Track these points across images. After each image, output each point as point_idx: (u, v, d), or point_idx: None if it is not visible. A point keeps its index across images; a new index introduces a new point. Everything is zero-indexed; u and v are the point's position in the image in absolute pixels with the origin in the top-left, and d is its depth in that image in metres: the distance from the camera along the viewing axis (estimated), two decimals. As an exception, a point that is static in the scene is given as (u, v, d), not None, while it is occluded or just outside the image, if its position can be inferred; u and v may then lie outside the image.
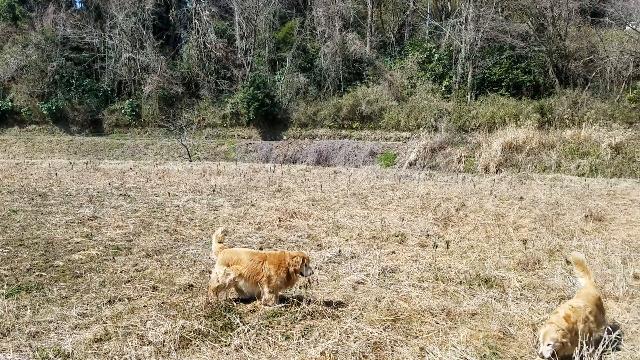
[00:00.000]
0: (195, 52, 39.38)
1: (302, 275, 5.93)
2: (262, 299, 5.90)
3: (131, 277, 6.90)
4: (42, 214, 11.35)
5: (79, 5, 46.46)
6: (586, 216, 11.76)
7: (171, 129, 36.06)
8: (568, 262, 7.91)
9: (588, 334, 4.51)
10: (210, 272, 7.17)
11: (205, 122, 37.40)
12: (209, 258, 8.00)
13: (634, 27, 29.58)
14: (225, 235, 6.31)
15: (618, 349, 4.77)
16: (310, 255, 6.31)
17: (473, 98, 31.74)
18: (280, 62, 38.74)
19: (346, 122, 33.53)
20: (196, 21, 39.43)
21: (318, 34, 37.89)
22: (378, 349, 4.86)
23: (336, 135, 33.30)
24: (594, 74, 29.95)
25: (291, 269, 5.85)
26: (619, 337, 5.01)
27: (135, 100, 38.51)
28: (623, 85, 28.84)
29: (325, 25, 36.77)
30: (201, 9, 39.41)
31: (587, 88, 29.37)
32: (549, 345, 4.29)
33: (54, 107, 37.82)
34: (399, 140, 30.96)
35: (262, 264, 5.90)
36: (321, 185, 17.43)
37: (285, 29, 40.69)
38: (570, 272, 7.40)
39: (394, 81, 34.22)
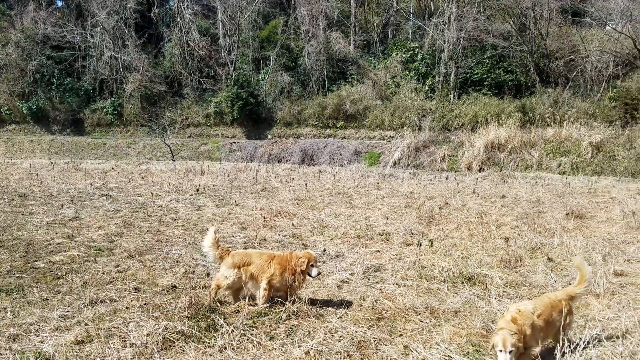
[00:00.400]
0: (178, 51, 39.06)
1: (310, 275, 5.88)
2: (257, 294, 5.85)
3: (113, 278, 6.82)
4: (22, 214, 11.16)
5: (59, 3, 45.77)
6: (567, 214, 11.93)
7: (154, 128, 35.71)
8: (550, 259, 8.03)
9: (540, 337, 4.50)
10: (193, 272, 7.13)
11: (188, 121, 37.11)
12: (192, 258, 7.94)
13: (613, 26, 30.09)
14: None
15: (600, 345, 4.84)
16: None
17: (456, 97, 32.00)
18: (264, 61, 38.61)
19: (331, 121, 33.55)
20: (179, 19, 39.11)
21: (302, 33, 37.85)
22: (362, 347, 4.87)
23: (321, 135, 33.31)
24: (574, 73, 30.39)
25: (297, 270, 5.79)
26: (599, 333, 5.09)
27: (117, 99, 38.08)
28: (603, 85, 29.32)
29: (309, 24, 36.74)
30: (184, 7, 39.09)
31: (568, 87, 29.80)
32: (511, 352, 4.16)
33: (34, 107, 37.21)
34: (383, 140, 31.08)
35: (270, 262, 5.88)
36: (306, 184, 17.42)
37: (269, 27, 40.57)
38: (552, 270, 7.51)
39: (378, 80, 34.33)
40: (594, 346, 4.72)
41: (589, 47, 30.03)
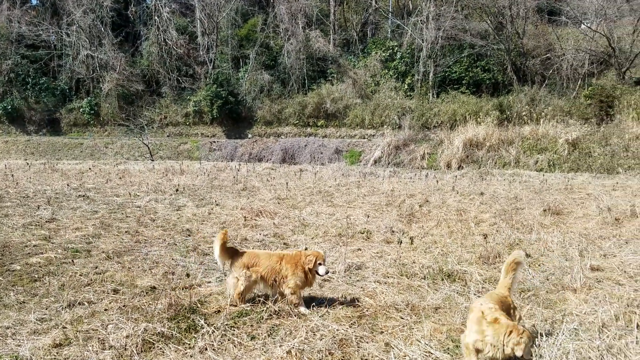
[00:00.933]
0: (155, 49, 38.58)
1: (318, 274, 5.86)
2: (286, 300, 5.81)
3: (91, 280, 6.74)
4: (-5, 217, 10.93)
5: (34, 2, 44.77)
6: (544, 210, 12.14)
7: (132, 128, 35.23)
8: (527, 255, 8.15)
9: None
10: (173, 273, 7.07)
11: (167, 121, 36.70)
12: (172, 259, 7.87)
13: (588, 25, 30.67)
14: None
15: (577, 339, 4.93)
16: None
17: (435, 96, 32.26)
18: (244, 59, 38.39)
19: (311, 120, 33.54)
20: (156, 18, 38.63)
21: (281, 32, 37.74)
22: (344, 345, 4.89)
23: (301, 133, 33.27)
24: (551, 71, 30.90)
25: (305, 268, 5.79)
26: (577, 327, 5.19)
27: (94, 98, 37.46)
28: (579, 82, 29.87)
29: (289, 22, 36.65)
30: (161, 6, 38.63)
31: (544, 85, 30.29)
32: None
33: (9, 107, 36.38)
34: (364, 138, 31.19)
35: (280, 263, 5.87)
36: (287, 183, 17.39)
37: (247, 26, 40.36)
38: (529, 265, 7.63)
39: (358, 79, 34.43)
40: (571, 340, 4.81)
41: (564, 46, 30.57)
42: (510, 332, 4.08)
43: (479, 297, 6.26)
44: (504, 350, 4.07)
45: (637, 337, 4.86)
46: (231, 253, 6.07)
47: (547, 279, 7.01)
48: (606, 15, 28.90)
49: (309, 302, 5.99)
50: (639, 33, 28.36)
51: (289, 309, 5.67)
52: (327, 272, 5.89)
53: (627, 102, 25.61)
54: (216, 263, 6.46)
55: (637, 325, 5.12)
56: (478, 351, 4.26)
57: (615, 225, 10.49)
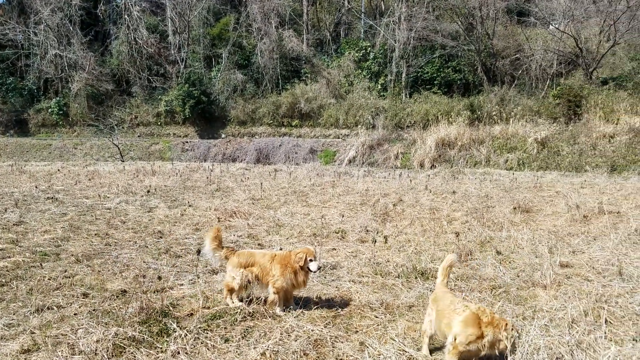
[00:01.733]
0: (125, 48, 37.92)
1: (310, 270, 5.77)
2: (268, 301, 5.78)
3: (60, 284, 6.58)
4: (-42, 220, 10.56)
5: (0, 0, 43.50)
6: (514, 208, 12.36)
7: (101, 128, 34.54)
8: (498, 252, 8.29)
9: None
10: (144, 276, 6.94)
11: (137, 121, 36.10)
12: (143, 262, 7.73)
13: (556, 26, 31.41)
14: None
15: (548, 335, 5.02)
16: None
17: (408, 96, 32.56)
18: (216, 58, 38.06)
19: (285, 120, 33.46)
20: (126, 16, 37.95)
21: (254, 31, 37.53)
22: (319, 346, 4.88)
23: (276, 133, 33.15)
24: (520, 71, 31.54)
25: (296, 267, 5.71)
26: (547, 324, 5.29)
27: (62, 98, 36.59)
28: (547, 82, 30.55)
29: (261, 22, 36.48)
30: (131, 4, 37.97)
31: (514, 85, 30.88)
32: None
33: (-25, 108, 35.30)
34: (338, 138, 31.26)
35: (272, 262, 5.81)
36: (261, 183, 17.29)
37: (220, 25, 40.00)
38: (500, 263, 7.75)
39: (332, 79, 34.50)
40: (542, 336, 4.89)
41: (533, 46, 31.23)
42: (506, 325, 4.26)
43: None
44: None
45: (605, 332, 4.98)
46: (226, 250, 6.03)
47: (518, 276, 7.13)
48: (573, 16, 29.65)
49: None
50: (605, 34, 29.17)
51: (264, 310, 5.63)
52: (319, 268, 5.82)
53: (594, 101, 26.30)
54: (207, 258, 6.38)
55: (606, 321, 5.25)
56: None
57: (583, 223, 10.75)
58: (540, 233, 9.71)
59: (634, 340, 4.88)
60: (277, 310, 5.71)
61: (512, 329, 4.28)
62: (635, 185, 17.49)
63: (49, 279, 6.71)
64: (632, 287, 6.53)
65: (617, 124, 24.96)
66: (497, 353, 4.39)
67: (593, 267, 7.46)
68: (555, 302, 6.01)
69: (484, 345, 4.26)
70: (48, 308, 5.71)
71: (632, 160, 22.68)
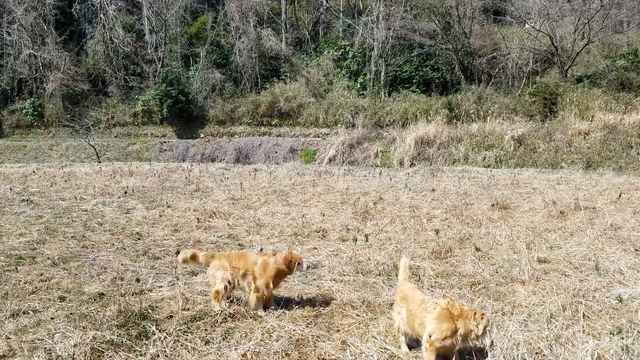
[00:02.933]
0: (101, 48, 37.26)
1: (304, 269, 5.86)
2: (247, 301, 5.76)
3: (36, 287, 6.44)
4: None
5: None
6: (492, 205, 12.51)
7: (77, 129, 33.90)
8: (477, 249, 8.38)
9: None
10: (122, 279, 6.83)
11: (114, 121, 35.50)
12: (121, 264, 7.61)
13: (532, 25, 31.90)
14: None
15: (527, 330, 5.08)
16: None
17: (387, 95, 32.71)
18: (194, 57, 37.68)
19: (265, 119, 33.29)
20: (102, 15, 37.29)
21: (232, 30, 37.25)
22: (301, 345, 4.86)
23: (255, 133, 32.97)
24: (497, 70, 31.94)
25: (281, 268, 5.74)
26: (526, 319, 5.35)
27: (37, 99, 35.79)
28: (524, 81, 31.02)
29: (239, 20, 36.23)
30: (107, 3, 37.32)
31: (490, 84, 31.27)
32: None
33: (-54, 109, 34.30)
34: (318, 137, 31.24)
35: (256, 264, 5.77)
36: (241, 183, 17.18)
37: (197, 23, 39.62)
38: (479, 259, 7.83)
39: (311, 78, 34.46)
40: (521, 331, 4.95)
41: (509, 45, 31.65)
42: (474, 314, 4.38)
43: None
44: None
45: (583, 327, 5.06)
46: (206, 257, 5.96)
47: (497, 272, 7.21)
48: (549, 15, 30.14)
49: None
50: (580, 32, 29.73)
51: (244, 310, 5.59)
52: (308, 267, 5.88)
53: (569, 99, 26.79)
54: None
55: (584, 315, 5.33)
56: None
57: (560, 218, 10.93)
58: (518, 229, 9.84)
59: (611, 334, 4.97)
60: (252, 307, 5.70)
61: (482, 317, 4.35)
62: (610, 181, 17.87)
63: (24, 283, 6.56)
64: (608, 282, 6.66)
65: (591, 121, 25.47)
66: (470, 344, 4.45)
67: (570, 263, 7.58)
68: (534, 297, 6.09)
69: (458, 339, 4.36)
70: (24, 312, 5.58)
71: (606, 156, 23.17)
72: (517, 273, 6.91)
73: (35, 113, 35.24)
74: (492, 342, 4.50)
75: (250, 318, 5.49)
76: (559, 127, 25.77)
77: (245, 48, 35.42)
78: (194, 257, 5.91)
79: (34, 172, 22.21)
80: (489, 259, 7.96)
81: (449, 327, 4.33)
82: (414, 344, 4.99)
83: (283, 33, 38.44)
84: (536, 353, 4.61)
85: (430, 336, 4.38)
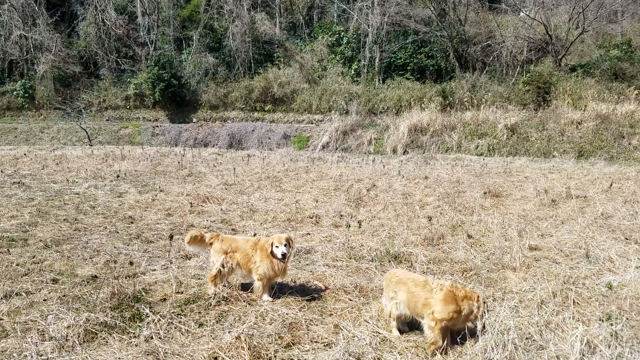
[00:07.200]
0: (93, 30, 36.72)
1: (277, 258, 5.61)
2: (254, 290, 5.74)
3: (29, 269, 6.44)
4: None
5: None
6: (485, 193, 12.59)
7: (69, 112, 33.54)
8: (469, 236, 8.44)
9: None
10: (115, 261, 6.83)
11: (106, 104, 35.13)
12: (114, 247, 7.59)
13: (527, 13, 31.81)
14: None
15: (517, 316, 5.14)
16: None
17: (381, 81, 32.58)
18: (187, 41, 37.26)
19: (258, 105, 33.07)
20: (94, -4, 36.74)
21: (226, 13, 36.82)
22: (294, 329, 4.89)
23: (248, 118, 32.77)
24: (491, 58, 31.86)
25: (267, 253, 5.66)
26: (517, 305, 5.41)
27: (28, 81, 35.30)
28: (518, 69, 30.97)
29: (233, 4, 35.82)
30: (99, -16, 36.75)
31: (485, 72, 31.20)
32: None
33: None
34: (312, 123, 31.13)
35: (254, 249, 5.74)
36: (234, 169, 17.14)
37: (190, 6, 39.10)
38: (471, 246, 7.89)
39: (305, 64, 34.21)
40: (512, 317, 5.01)
41: (504, 33, 31.56)
42: (477, 297, 4.71)
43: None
44: None
45: (573, 313, 5.13)
46: (209, 239, 5.96)
47: (488, 259, 7.28)
48: (544, 3, 30.07)
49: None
50: (574, 21, 29.70)
51: (237, 294, 5.61)
52: (284, 255, 5.57)
53: (562, 88, 26.83)
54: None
55: (574, 301, 5.40)
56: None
57: (551, 207, 11.02)
58: (509, 217, 9.92)
59: (600, 320, 5.05)
60: (258, 295, 5.70)
61: (483, 302, 4.65)
62: (602, 170, 18.01)
63: (17, 265, 6.55)
64: (598, 269, 6.74)
65: (584, 110, 25.55)
66: (471, 325, 4.57)
67: (561, 250, 7.67)
68: (525, 283, 6.16)
69: (460, 319, 4.58)
70: (16, 294, 5.59)
71: (598, 146, 23.30)
72: (509, 260, 6.98)
73: (26, 95, 34.81)
74: (483, 326, 4.56)
75: (244, 302, 5.52)
76: (552, 116, 25.84)
77: (239, 32, 35.06)
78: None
79: (25, 154, 22.03)
80: (480, 246, 8.02)
81: (454, 308, 4.53)
82: (405, 328, 5.05)
83: (277, 17, 38.08)
84: (526, 338, 4.67)
85: (436, 316, 4.54)
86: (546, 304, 5.42)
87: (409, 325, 5.07)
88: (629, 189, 13.20)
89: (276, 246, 5.60)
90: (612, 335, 4.54)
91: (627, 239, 8.19)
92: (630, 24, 33.45)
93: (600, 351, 4.21)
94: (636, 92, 25.72)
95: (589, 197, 12.10)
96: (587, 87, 26.48)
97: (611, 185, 13.62)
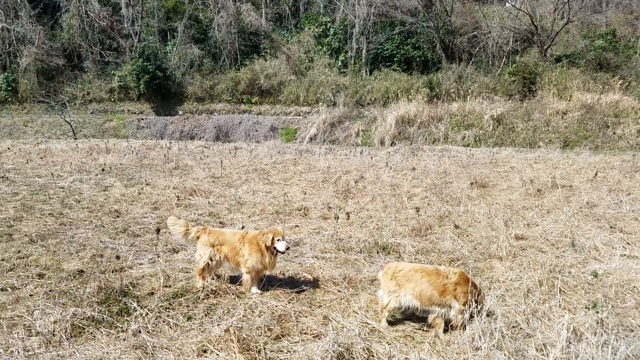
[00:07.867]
0: (76, 22, 36.15)
1: (279, 251, 5.64)
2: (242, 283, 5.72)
3: (14, 265, 6.38)
4: None
5: None
6: (471, 183, 12.66)
7: (52, 105, 33.06)
8: (456, 226, 8.49)
9: None
10: (102, 256, 6.77)
11: (90, 97, 34.66)
12: (100, 241, 7.52)
13: (512, 3, 31.91)
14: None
15: (504, 304, 5.19)
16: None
17: (368, 73, 32.53)
18: (172, 32, 36.85)
19: (245, 97, 32.86)
20: (76, -13, 36.13)
21: (211, 4, 36.47)
22: (283, 321, 4.89)
23: (235, 110, 32.55)
24: (477, 49, 31.95)
25: (262, 246, 5.60)
26: (503, 293, 5.46)
27: (11, 74, 34.69)
28: (503, 60, 31.11)
29: (218, -6, 35.48)
30: (81, -26, 36.14)
31: (471, 63, 31.30)
32: None
33: None
34: (299, 115, 31.03)
35: (242, 242, 5.70)
36: (221, 161, 17.04)
37: (175, -3, 38.68)
38: (458, 236, 7.93)
39: (292, 55, 34.02)
40: (499, 305, 5.06)
41: (490, 24, 31.64)
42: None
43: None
44: None
45: (559, 301, 5.19)
46: (196, 232, 5.92)
47: (475, 249, 7.33)
48: (529, -7, 30.17)
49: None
50: (560, 11, 29.86)
51: (226, 287, 5.59)
52: (287, 249, 5.70)
53: (548, 78, 27.05)
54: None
55: (560, 290, 5.47)
56: None
57: (537, 196, 11.13)
58: (496, 207, 9.99)
59: (586, 308, 5.12)
60: (246, 288, 5.68)
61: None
62: (587, 160, 18.20)
63: (2, 260, 6.49)
64: (584, 258, 6.83)
65: (569, 100, 25.78)
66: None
67: (547, 239, 7.75)
68: (511, 272, 6.22)
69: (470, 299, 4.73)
70: (2, 289, 5.54)
71: (583, 135, 23.55)
72: (495, 249, 7.04)
73: (9, 88, 34.22)
74: (471, 315, 4.60)
75: (233, 294, 5.50)
76: (538, 106, 26.03)
77: (225, 23, 34.73)
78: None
79: (8, 148, 21.68)
80: (467, 236, 8.08)
81: (468, 289, 4.69)
82: (392, 319, 5.07)
83: (263, 8, 37.78)
84: (513, 327, 4.73)
85: (459, 302, 4.71)
86: (533, 292, 5.48)
87: (393, 316, 5.09)
88: (613, 178, 13.37)
89: (278, 239, 5.62)
90: (598, 323, 4.61)
91: (612, 227, 8.30)
92: (615, 14, 33.75)
93: (586, 339, 4.26)
94: (620, 81, 25.99)
95: (574, 186, 12.23)
96: (572, 77, 26.71)
97: (596, 174, 13.78)
